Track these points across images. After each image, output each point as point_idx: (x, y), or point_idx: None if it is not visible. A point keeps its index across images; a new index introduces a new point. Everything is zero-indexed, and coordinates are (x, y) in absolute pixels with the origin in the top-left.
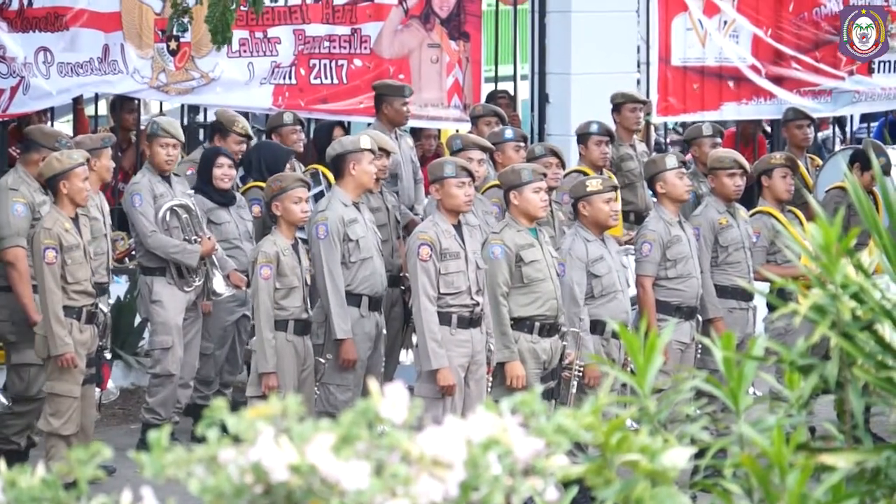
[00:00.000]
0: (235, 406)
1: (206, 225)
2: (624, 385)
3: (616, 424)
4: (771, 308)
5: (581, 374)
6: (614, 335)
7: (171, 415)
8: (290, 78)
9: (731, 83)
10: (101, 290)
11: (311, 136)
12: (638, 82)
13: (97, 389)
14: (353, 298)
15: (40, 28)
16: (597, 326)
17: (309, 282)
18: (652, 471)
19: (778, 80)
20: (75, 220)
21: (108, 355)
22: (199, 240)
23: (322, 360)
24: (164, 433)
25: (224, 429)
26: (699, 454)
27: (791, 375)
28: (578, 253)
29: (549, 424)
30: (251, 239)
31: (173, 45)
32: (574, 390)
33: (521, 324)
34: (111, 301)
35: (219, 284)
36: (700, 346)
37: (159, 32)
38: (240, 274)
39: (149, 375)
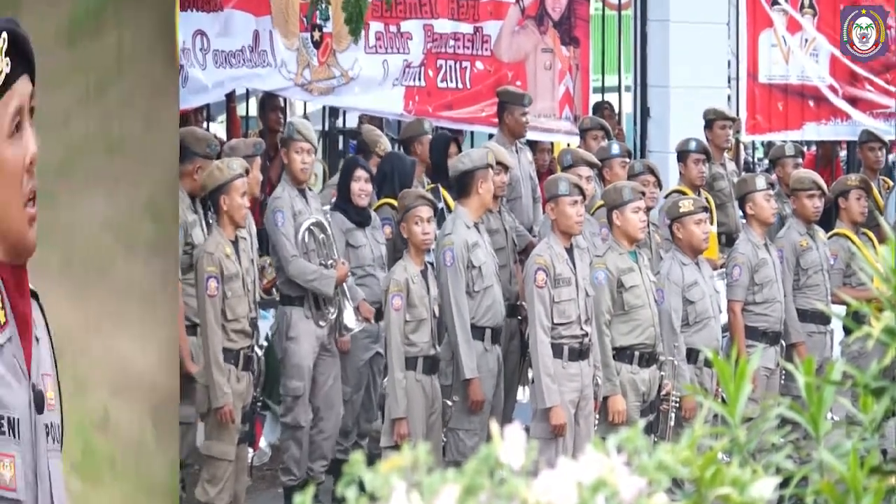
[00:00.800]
0: (372, 458)
1: (345, 248)
2: (715, 415)
3: (710, 458)
4: (847, 331)
5: (678, 405)
6: (706, 363)
7: (307, 473)
8: (419, 80)
9: (811, 102)
10: (253, 326)
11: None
12: (728, 98)
13: (249, 450)
14: (476, 332)
15: (197, 7)
16: (690, 355)
17: (437, 313)
18: (742, 503)
19: (853, 101)
20: (235, 243)
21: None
22: (334, 264)
23: (450, 403)
24: (307, 497)
25: (362, 486)
26: (784, 483)
27: (865, 398)
28: (675, 278)
29: (650, 461)
30: (384, 266)
31: (317, 35)
32: (672, 423)
33: (621, 354)
34: (263, 343)
35: (349, 318)
36: (783, 371)
37: (304, 19)
38: (368, 305)
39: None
